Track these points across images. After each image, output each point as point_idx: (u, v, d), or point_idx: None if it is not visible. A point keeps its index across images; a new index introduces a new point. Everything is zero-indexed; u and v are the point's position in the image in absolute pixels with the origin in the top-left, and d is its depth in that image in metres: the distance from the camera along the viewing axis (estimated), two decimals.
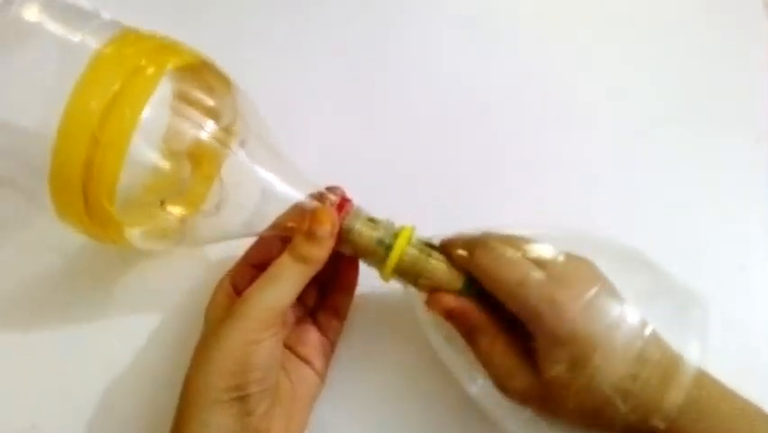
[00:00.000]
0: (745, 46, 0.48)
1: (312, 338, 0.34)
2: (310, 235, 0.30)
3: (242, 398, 0.28)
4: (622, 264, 0.30)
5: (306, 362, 0.33)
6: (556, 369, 0.27)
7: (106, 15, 0.31)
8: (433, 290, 0.31)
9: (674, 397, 0.26)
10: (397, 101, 0.45)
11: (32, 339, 0.37)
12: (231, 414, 0.28)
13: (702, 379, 0.27)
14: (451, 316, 0.30)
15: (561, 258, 0.29)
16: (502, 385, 0.29)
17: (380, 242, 0.30)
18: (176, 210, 0.31)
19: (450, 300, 0.30)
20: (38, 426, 0.34)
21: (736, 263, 0.39)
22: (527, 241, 0.30)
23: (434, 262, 0.30)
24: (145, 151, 0.29)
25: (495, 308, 0.30)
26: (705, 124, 0.44)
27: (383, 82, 0.46)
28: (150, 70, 0.28)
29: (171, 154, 0.30)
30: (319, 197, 0.31)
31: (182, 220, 0.32)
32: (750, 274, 0.39)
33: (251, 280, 0.31)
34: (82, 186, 0.28)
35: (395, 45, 0.48)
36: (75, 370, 0.36)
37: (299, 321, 0.35)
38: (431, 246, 0.31)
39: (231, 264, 0.34)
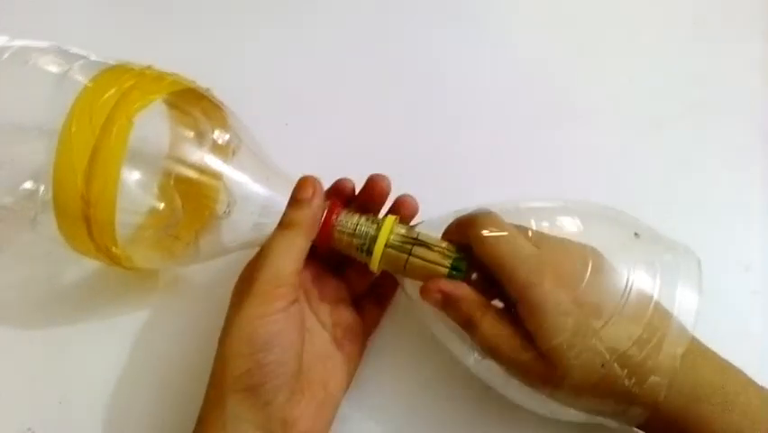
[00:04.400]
0: (751, 44, 0.47)
1: (350, 322, 0.34)
2: (293, 201, 0.30)
3: (257, 386, 0.27)
4: (621, 230, 0.31)
5: (341, 346, 0.33)
6: (559, 338, 0.27)
7: (92, 56, 0.32)
8: (421, 279, 0.31)
9: (671, 359, 0.26)
10: (402, 99, 0.45)
11: (29, 342, 0.37)
12: (250, 404, 0.27)
13: (698, 357, 0.28)
14: (445, 302, 0.29)
15: (552, 234, 0.29)
16: (506, 365, 0.29)
17: (360, 247, 0.31)
18: (181, 234, 0.32)
19: (442, 286, 0.29)
20: (34, 429, 0.34)
21: (741, 264, 0.39)
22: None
23: (412, 258, 0.30)
24: (136, 197, 0.30)
25: (486, 293, 0.30)
26: (711, 122, 0.43)
27: (387, 79, 0.46)
28: (120, 122, 0.28)
29: (163, 193, 0.30)
30: None
31: (191, 241, 0.32)
32: (755, 275, 0.38)
33: None
34: (87, 233, 0.29)
35: (398, 43, 0.47)
36: (71, 373, 0.36)
37: (340, 303, 0.34)
38: (414, 238, 0.31)
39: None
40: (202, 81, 0.33)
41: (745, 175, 0.42)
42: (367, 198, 0.34)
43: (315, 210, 0.30)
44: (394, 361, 0.36)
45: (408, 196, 0.34)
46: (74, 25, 0.47)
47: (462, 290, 0.29)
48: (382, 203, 0.34)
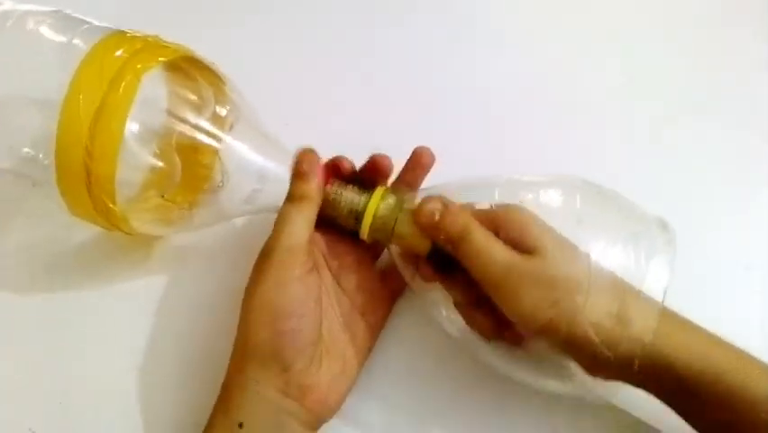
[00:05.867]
0: (752, 44, 0.48)
1: (373, 288, 0.35)
2: (296, 175, 0.32)
3: (276, 352, 0.29)
4: (595, 199, 0.32)
5: (362, 313, 0.34)
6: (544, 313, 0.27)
7: (95, 22, 0.32)
8: (406, 251, 0.32)
9: (648, 325, 0.27)
10: (402, 99, 0.45)
11: (29, 342, 0.36)
12: (268, 369, 0.29)
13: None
14: (443, 215, 0.30)
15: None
16: (499, 275, 0.28)
17: (350, 214, 0.32)
18: (177, 199, 0.33)
19: (438, 201, 0.30)
20: (35, 430, 0.34)
21: (741, 264, 0.39)
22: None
23: (401, 218, 0.31)
24: (137, 154, 0.31)
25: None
26: (711, 123, 0.44)
27: (388, 79, 0.46)
28: (128, 79, 0.29)
29: (163, 152, 0.31)
30: None
31: (187, 207, 0.33)
32: (755, 274, 0.38)
33: None
34: (86, 188, 0.30)
35: (399, 44, 0.48)
36: (71, 373, 0.36)
37: (363, 267, 0.35)
38: (402, 204, 0.32)
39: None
40: None
41: (745, 175, 0.42)
42: (370, 176, 0.35)
43: (317, 183, 0.32)
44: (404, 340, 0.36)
45: (424, 147, 0.35)
46: None
47: (456, 204, 0.30)
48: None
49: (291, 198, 0.32)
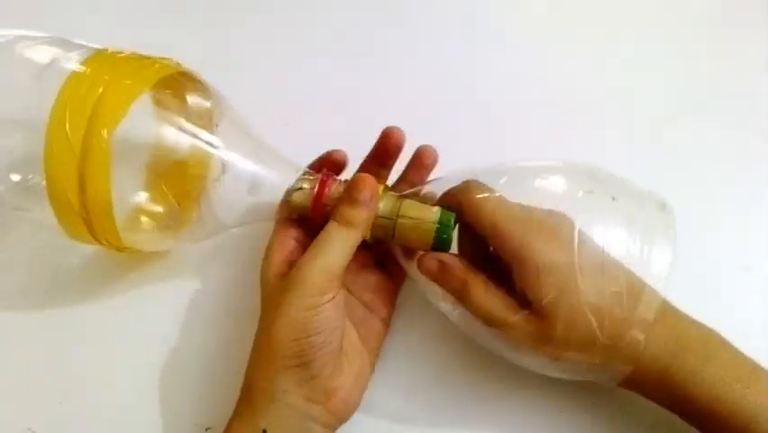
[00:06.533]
0: (752, 44, 0.48)
1: (378, 284, 0.35)
2: (352, 201, 0.31)
3: (306, 363, 0.29)
4: (598, 183, 0.32)
5: (372, 309, 0.34)
6: (551, 294, 0.28)
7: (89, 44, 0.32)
8: (406, 247, 0.32)
9: (648, 313, 0.27)
10: (402, 99, 0.45)
11: (28, 342, 0.36)
12: (298, 378, 0.29)
13: (678, 313, 0.29)
14: (440, 270, 0.31)
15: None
16: (498, 327, 0.29)
17: None
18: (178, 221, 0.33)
19: (437, 255, 0.31)
20: (34, 430, 0.34)
21: (740, 264, 0.39)
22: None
23: (400, 220, 0.31)
24: (130, 199, 0.31)
25: (471, 258, 0.31)
26: (710, 123, 0.44)
27: (388, 79, 0.46)
28: (100, 138, 0.28)
29: (155, 193, 0.31)
30: (307, 174, 0.33)
31: (187, 221, 0.33)
32: (754, 275, 0.38)
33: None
34: (90, 234, 0.30)
35: (398, 43, 0.48)
36: (71, 373, 0.36)
37: (365, 267, 0.35)
38: (402, 201, 0.32)
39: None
40: None
41: (745, 175, 0.42)
42: (382, 152, 0.35)
43: (372, 213, 0.31)
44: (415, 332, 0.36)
45: (428, 146, 0.35)
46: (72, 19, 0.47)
47: (453, 259, 0.31)
48: (397, 155, 0.35)
49: (338, 219, 0.30)
